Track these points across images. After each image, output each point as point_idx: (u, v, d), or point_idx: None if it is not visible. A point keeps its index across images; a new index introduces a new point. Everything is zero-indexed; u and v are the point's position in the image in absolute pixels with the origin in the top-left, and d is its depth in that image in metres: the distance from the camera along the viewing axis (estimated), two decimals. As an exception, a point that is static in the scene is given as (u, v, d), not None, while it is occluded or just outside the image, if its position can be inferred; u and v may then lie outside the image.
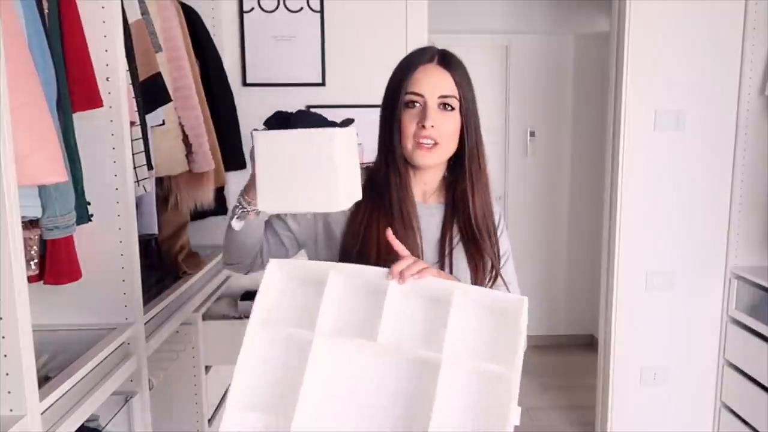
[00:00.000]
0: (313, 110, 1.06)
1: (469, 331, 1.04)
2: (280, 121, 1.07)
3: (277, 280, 1.13)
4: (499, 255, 1.31)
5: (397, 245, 1.12)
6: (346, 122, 1.08)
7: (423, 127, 1.21)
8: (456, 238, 1.27)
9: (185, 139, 2.02)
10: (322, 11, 2.60)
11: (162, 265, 2.15)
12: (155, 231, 1.86)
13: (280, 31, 2.61)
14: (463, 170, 1.27)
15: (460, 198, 1.27)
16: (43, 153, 1.19)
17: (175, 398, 2.04)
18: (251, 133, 1.07)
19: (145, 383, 1.64)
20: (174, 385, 2.01)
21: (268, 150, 1.07)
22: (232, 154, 2.41)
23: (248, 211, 1.20)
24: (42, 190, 1.28)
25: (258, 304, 1.11)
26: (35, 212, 1.28)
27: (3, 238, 1.02)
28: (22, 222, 1.17)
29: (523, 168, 4.24)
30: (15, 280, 1.04)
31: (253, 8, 2.60)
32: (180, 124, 2.00)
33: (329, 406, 1.03)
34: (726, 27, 2.66)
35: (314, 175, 1.04)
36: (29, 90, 1.17)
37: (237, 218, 1.21)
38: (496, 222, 1.32)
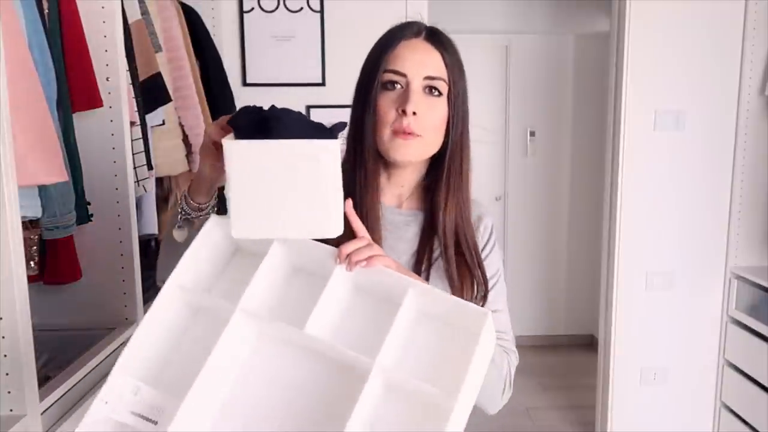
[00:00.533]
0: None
1: (415, 340, 0.86)
2: (252, 122, 0.85)
3: (212, 243, 0.95)
4: (484, 279, 1.05)
5: (355, 221, 0.91)
6: (339, 126, 0.87)
7: (404, 113, 0.97)
8: (436, 253, 1.04)
9: (185, 139, 2.02)
10: (322, 11, 2.60)
11: (162, 265, 2.15)
12: (155, 231, 1.86)
13: (280, 31, 2.61)
14: (441, 170, 1.04)
15: (435, 205, 1.05)
16: (43, 153, 1.19)
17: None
18: (221, 142, 0.85)
19: (145, 383, 1.64)
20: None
21: (243, 164, 0.85)
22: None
23: (193, 218, 0.98)
24: (42, 190, 1.28)
25: (182, 265, 0.91)
26: (35, 212, 1.28)
27: (3, 238, 1.02)
28: (22, 222, 1.17)
29: (523, 168, 4.24)
30: (15, 280, 1.04)
31: (253, 8, 2.60)
32: (180, 124, 2.00)
33: (230, 394, 0.86)
34: (726, 27, 2.65)
35: (301, 195, 0.85)
36: (29, 90, 1.17)
37: (179, 227, 0.98)
38: (482, 238, 1.10)
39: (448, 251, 1.03)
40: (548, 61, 4.17)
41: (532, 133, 4.20)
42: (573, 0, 4.02)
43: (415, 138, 0.98)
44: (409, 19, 1.09)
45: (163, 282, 0.92)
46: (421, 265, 1.03)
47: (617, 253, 2.78)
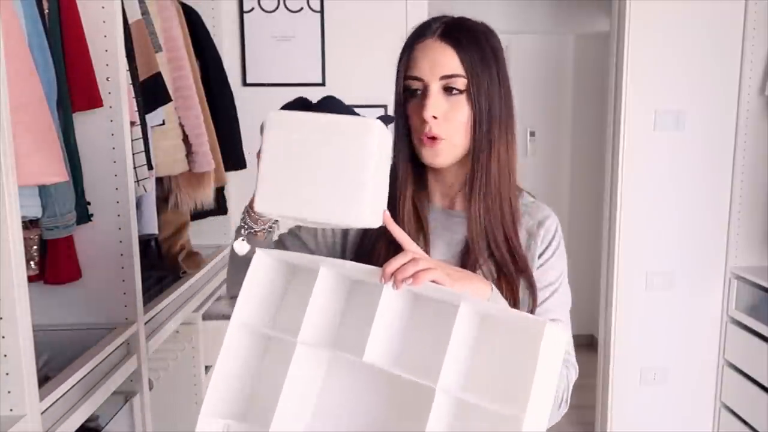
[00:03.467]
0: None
1: (475, 355, 0.82)
2: (302, 105, 0.86)
3: (264, 274, 0.95)
4: (532, 286, 0.99)
5: (395, 230, 0.88)
6: (385, 119, 0.84)
7: (422, 116, 0.96)
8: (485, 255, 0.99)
9: (185, 139, 2.02)
10: (322, 11, 2.60)
11: (162, 265, 2.15)
12: (155, 231, 1.86)
13: (280, 31, 2.61)
14: (467, 171, 1.01)
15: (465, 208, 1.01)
16: (43, 153, 1.19)
17: (175, 398, 2.03)
18: (263, 123, 0.83)
19: (145, 383, 1.64)
20: (174, 385, 2.01)
21: (281, 136, 0.82)
22: (232, 154, 2.41)
23: (255, 231, 0.98)
24: (42, 190, 1.28)
25: (241, 302, 0.94)
26: (35, 212, 1.28)
27: (3, 238, 1.02)
28: (22, 222, 1.17)
29: (523, 168, 4.21)
30: (15, 280, 1.03)
31: (253, 8, 2.60)
32: (180, 124, 2.00)
33: (307, 421, 0.90)
34: (726, 27, 2.65)
35: (337, 176, 0.80)
36: (29, 90, 1.17)
37: (241, 240, 0.99)
38: (541, 242, 1.04)
39: (479, 255, 0.99)
40: (548, 61, 4.17)
41: (532, 133, 4.20)
42: (573, 0, 4.02)
43: (440, 142, 0.97)
44: (433, 16, 1.04)
45: (234, 297, 0.94)
46: (466, 268, 0.97)
47: (617, 253, 2.78)
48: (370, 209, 0.82)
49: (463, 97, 0.97)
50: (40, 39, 1.28)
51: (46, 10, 1.35)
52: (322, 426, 0.88)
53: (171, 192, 2.05)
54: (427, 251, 0.99)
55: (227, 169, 2.36)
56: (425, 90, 0.97)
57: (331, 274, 0.90)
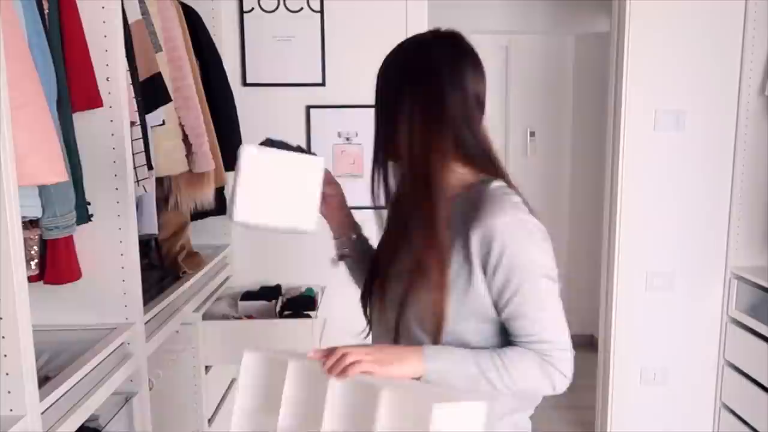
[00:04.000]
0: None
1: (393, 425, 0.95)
2: (268, 144, 1.19)
3: (252, 371, 1.16)
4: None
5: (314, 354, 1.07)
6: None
7: None
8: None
9: (185, 139, 2.02)
10: (322, 11, 2.60)
11: (162, 265, 2.15)
12: (155, 231, 1.86)
13: (280, 31, 2.61)
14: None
15: None
16: (43, 153, 1.19)
17: (175, 398, 2.03)
18: (239, 151, 1.16)
19: (145, 383, 1.64)
20: (174, 385, 2.01)
21: (255, 165, 1.17)
22: (232, 154, 2.38)
23: (347, 252, 1.33)
24: (42, 190, 1.28)
25: (239, 395, 1.16)
26: (35, 212, 1.28)
27: (3, 238, 1.02)
28: (22, 222, 1.17)
29: (523, 168, 4.23)
30: (15, 280, 1.04)
31: (253, 8, 2.60)
32: (180, 124, 2.00)
33: None
34: (726, 27, 2.65)
35: (294, 196, 1.16)
36: (29, 90, 1.17)
37: (334, 261, 1.34)
38: (480, 254, 1.06)
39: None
40: (548, 61, 4.17)
41: (532, 133, 4.20)
42: (573, 0, 4.01)
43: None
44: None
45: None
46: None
47: (617, 253, 2.78)
48: (316, 219, 1.19)
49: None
50: (40, 39, 1.28)
51: (46, 11, 1.35)
52: None
53: (171, 192, 2.05)
54: None
55: (227, 169, 2.36)
56: None
57: (297, 369, 1.09)
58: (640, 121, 2.69)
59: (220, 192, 2.36)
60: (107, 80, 1.49)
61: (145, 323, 1.65)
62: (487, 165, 1.15)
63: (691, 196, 2.76)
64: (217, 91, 2.36)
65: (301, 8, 2.59)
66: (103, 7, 1.48)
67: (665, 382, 2.87)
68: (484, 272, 1.06)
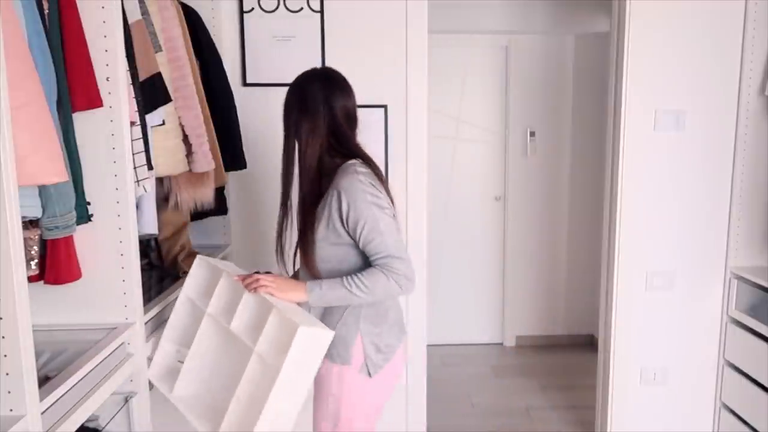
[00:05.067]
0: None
1: (269, 336, 1.51)
2: None
3: (199, 270, 1.77)
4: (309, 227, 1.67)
5: (248, 277, 1.63)
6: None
7: None
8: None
9: (185, 139, 2.02)
10: (322, 11, 2.60)
11: (162, 265, 2.15)
12: (155, 231, 1.86)
13: (280, 31, 2.61)
14: None
15: None
16: (43, 153, 1.20)
17: (175, 398, 2.03)
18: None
19: (145, 383, 1.64)
20: (174, 385, 2.00)
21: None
22: (232, 154, 2.41)
23: None
24: (42, 190, 1.28)
25: (186, 283, 1.77)
26: (35, 212, 1.28)
27: (3, 238, 1.02)
28: (22, 222, 1.17)
29: (523, 168, 4.24)
30: (15, 280, 1.04)
31: (253, 8, 2.60)
32: (180, 124, 2.00)
33: (200, 362, 1.66)
34: (726, 27, 2.65)
35: None
36: (29, 90, 1.17)
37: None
38: (327, 207, 1.63)
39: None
40: (548, 61, 4.17)
41: (532, 133, 4.20)
42: (573, 0, 4.01)
43: None
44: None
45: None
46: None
47: (617, 253, 2.78)
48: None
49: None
50: (40, 39, 1.28)
51: (46, 11, 1.35)
52: (203, 365, 1.68)
53: (171, 192, 2.05)
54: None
55: (227, 169, 2.36)
56: None
57: (226, 278, 1.68)
58: (640, 121, 2.70)
59: (220, 192, 2.36)
60: (107, 80, 1.49)
61: (145, 323, 1.65)
62: (354, 155, 1.68)
63: (691, 196, 2.76)
64: (217, 91, 2.36)
65: (301, 8, 2.59)
66: (103, 7, 1.48)
67: (665, 382, 2.87)
68: (340, 217, 1.60)
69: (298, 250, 1.73)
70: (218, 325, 1.65)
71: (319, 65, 2.62)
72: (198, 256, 1.75)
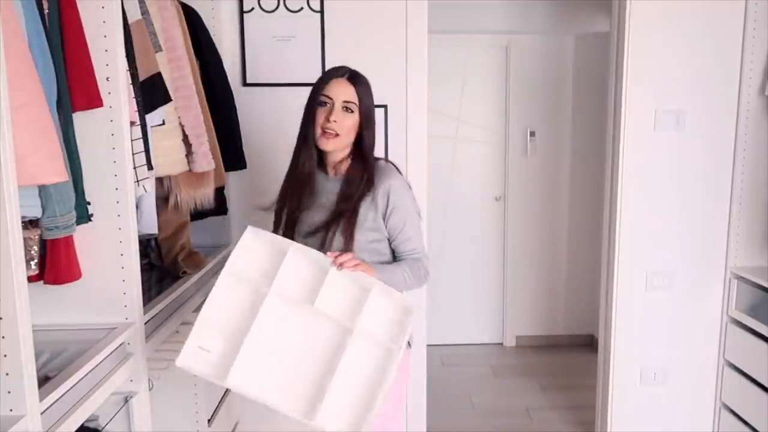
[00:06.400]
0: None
1: (375, 315, 1.54)
2: None
3: (250, 244, 1.59)
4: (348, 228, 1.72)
5: (347, 255, 1.61)
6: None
7: (329, 120, 1.69)
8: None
9: (185, 139, 2.02)
10: (322, 11, 2.60)
11: (162, 265, 2.15)
12: (155, 231, 1.86)
13: (280, 31, 2.61)
14: (353, 151, 1.78)
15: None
16: (43, 153, 1.20)
17: (175, 398, 2.04)
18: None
19: (145, 383, 1.64)
20: (174, 385, 2.01)
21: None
22: (232, 154, 2.41)
23: None
24: (42, 190, 1.28)
25: (231, 259, 1.57)
26: (35, 212, 1.28)
27: (3, 238, 1.02)
28: (22, 222, 1.17)
29: (523, 168, 4.24)
30: (15, 280, 1.04)
31: (253, 8, 2.60)
32: (180, 124, 2.00)
33: (266, 345, 1.51)
34: (726, 27, 2.66)
35: None
36: (29, 90, 1.17)
37: None
38: (375, 202, 1.72)
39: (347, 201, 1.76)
40: (548, 61, 4.17)
41: (532, 133, 4.20)
42: (573, 0, 4.01)
43: (333, 137, 1.72)
44: (340, 65, 1.80)
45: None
46: (333, 214, 1.74)
47: (617, 253, 2.78)
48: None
49: (353, 115, 1.73)
50: (40, 39, 1.28)
51: (46, 10, 1.35)
52: (275, 350, 1.52)
53: (171, 192, 2.05)
54: (312, 196, 1.80)
55: (227, 169, 2.36)
56: (332, 105, 1.71)
57: (296, 253, 1.58)
58: (640, 121, 2.70)
59: (220, 192, 2.36)
60: (107, 80, 1.49)
61: (145, 323, 1.65)
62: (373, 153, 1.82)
63: (691, 196, 2.76)
64: (217, 91, 2.36)
65: (301, 8, 2.59)
66: (103, 7, 1.48)
67: (665, 382, 2.87)
68: (384, 213, 1.73)
69: (343, 240, 1.73)
70: (289, 302, 1.53)
71: (318, 65, 2.64)
72: (249, 227, 1.59)
